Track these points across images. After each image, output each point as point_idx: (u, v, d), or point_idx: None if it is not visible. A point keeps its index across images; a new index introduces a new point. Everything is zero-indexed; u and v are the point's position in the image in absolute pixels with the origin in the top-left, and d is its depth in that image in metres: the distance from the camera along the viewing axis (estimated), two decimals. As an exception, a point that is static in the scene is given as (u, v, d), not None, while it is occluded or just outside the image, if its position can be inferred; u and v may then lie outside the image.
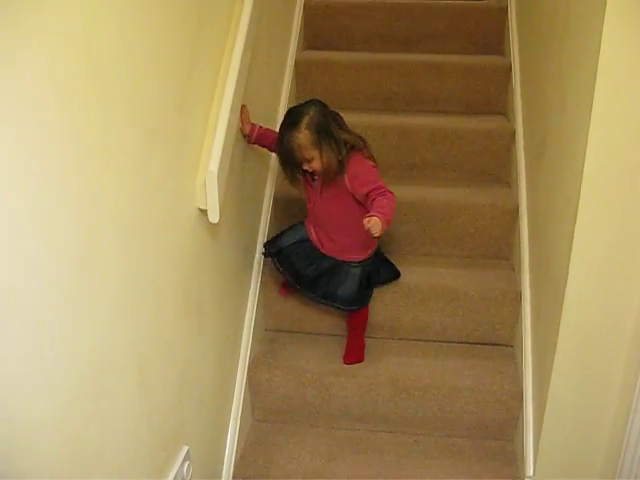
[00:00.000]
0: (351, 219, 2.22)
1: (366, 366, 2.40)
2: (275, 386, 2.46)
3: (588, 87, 1.70)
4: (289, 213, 2.81)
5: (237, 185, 2.23)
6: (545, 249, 2.23)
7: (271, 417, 2.52)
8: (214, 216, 1.84)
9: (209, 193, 1.80)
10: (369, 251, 2.39)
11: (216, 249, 2.05)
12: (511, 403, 2.35)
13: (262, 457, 2.35)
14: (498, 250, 2.77)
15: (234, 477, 2.29)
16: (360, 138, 2.25)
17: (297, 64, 3.17)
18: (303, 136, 2.11)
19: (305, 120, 2.11)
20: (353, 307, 2.44)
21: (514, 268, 2.68)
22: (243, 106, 2.20)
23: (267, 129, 2.39)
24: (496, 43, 3.36)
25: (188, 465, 1.82)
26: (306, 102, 2.19)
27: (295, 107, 2.21)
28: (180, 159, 1.70)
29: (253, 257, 2.57)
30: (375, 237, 2.04)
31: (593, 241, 1.80)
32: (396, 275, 2.56)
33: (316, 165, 2.16)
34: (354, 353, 2.51)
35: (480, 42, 3.37)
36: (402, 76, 3.15)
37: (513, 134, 2.85)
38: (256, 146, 2.41)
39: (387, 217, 2.03)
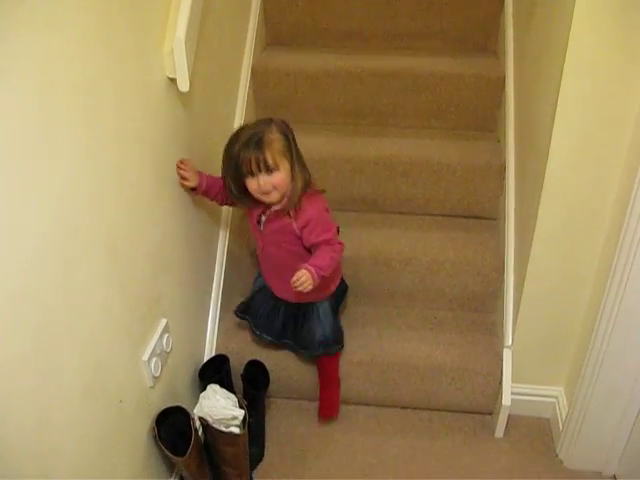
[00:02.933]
0: (304, 262, 1.96)
1: (348, 239, 2.35)
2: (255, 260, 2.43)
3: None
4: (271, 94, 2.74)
5: (209, 55, 2.11)
6: (530, 119, 2.16)
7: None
8: (184, 85, 1.76)
9: (177, 61, 1.72)
10: (332, 287, 2.17)
11: (190, 120, 1.97)
12: (492, 275, 2.35)
13: (245, 332, 2.36)
14: (483, 122, 2.70)
15: (217, 351, 2.31)
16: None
17: None
18: (275, 137, 1.82)
19: (274, 125, 1.84)
20: (337, 347, 2.20)
21: (499, 140, 2.62)
22: (180, 162, 1.89)
23: (216, 177, 2.02)
24: None
25: (167, 337, 1.82)
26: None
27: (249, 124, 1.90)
28: (146, 27, 1.61)
29: (232, 130, 2.48)
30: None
31: (577, 106, 1.75)
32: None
33: (277, 180, 1.84)
34: (331, 407, 2.31)
35: None
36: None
37: (502, 0, 2.73)
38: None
39: (322, 272, 1.87)
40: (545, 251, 1.99)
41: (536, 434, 2.29)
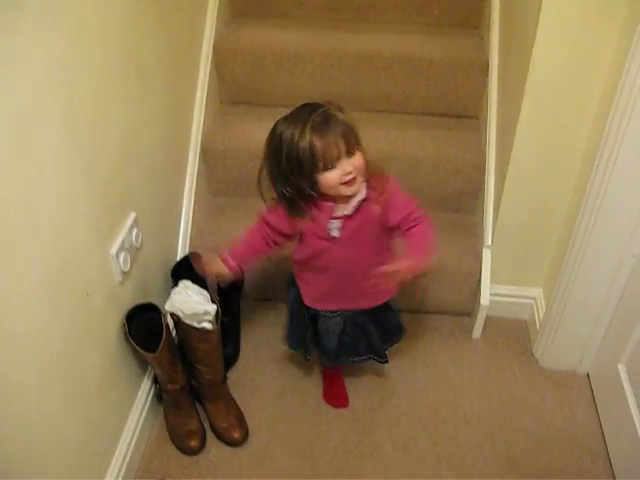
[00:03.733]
0: (381, 254, 1.66)
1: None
2: (231, 155, 2.37)
3: None
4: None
5: None
6: (515, 12, 2.07)
7: (228, 191, 2.46)
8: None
9: None
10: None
11: (158, 7, 1.86)
12: (473, 174, 2.29)
13: (219, 230, 2.31)
14: (467, 17, 2.60)
15: (190, 250, 2.25)
16: None
17: None
18: (340, 114, 1.50)
19: (328, 104, 1.53)
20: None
21: (482, 36, 2.53)
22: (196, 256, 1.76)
23: (239, 248, 1.77)
24: None
25: (137, 232, 1.76)
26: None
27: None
28: None
29: (204, 20, 2.38)
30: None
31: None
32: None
33: (359, 161, 1.50)
34: (342, 397, 2.11)
35: None
36: None
37: None
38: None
39: (428, 255, 1.55)
40: (527, 148, 1.93)
41: (513, 335, 2.30)
